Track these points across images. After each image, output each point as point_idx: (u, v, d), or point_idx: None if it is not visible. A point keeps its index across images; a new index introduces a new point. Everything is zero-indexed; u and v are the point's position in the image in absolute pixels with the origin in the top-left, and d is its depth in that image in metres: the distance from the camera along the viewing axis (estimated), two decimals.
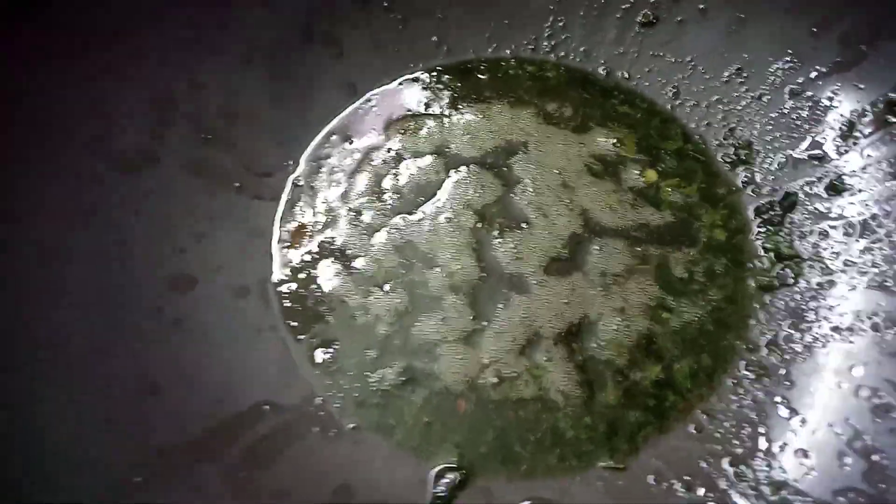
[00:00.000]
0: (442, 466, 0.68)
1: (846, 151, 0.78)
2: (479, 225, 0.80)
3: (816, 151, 0.79)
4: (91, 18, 0.73)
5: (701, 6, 0.85)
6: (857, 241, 0.74)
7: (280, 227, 0.81)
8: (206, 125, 0.81)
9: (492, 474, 0.68)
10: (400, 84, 0.89)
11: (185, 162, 0.79)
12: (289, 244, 0.80)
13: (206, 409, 0.68)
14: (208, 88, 0.82)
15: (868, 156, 0.77)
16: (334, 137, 0.86)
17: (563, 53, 0.91)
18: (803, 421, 0.67)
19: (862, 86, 0.79)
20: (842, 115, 0.79)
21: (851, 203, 0.76)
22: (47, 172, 0.71)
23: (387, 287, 0.77)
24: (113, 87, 0.76)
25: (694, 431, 0.69)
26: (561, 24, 0.90)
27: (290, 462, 0.67)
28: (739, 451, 0.67)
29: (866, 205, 0.75)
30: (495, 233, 0.79)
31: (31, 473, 0.59)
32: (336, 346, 0.74)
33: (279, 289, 0.77)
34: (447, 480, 0.66)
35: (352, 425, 0.70)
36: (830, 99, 0.80)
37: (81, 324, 0.68)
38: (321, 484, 0.66)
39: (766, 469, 0.65)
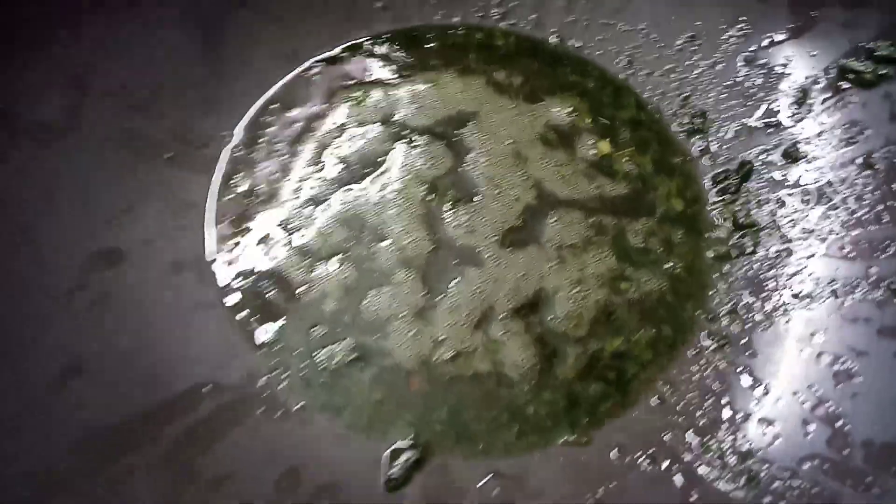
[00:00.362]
0: (396, 446, 0.63)
1: (801, 119, 0.77)
2: (430, 197, 0.76)
3: (771, 119, 0.78)
4: None
5: None
6: (814, 208, 0.73)
7: (216, 199, 0.75)
8: (131, 94, 0.75)
9: (449, 452, 0.64)
10: (343, 51, 0.85)
11: (109, 133, 0.73)
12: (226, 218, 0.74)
13: (139, 391, 0.63)
14: (132, 54, 0.76)
15: (822, 122, 0.76)
16: (274, 106, 0.81)
17: (513, 21, 0.88)
18: (766, 389, 0.65)
19: (814, 52, 0.79)
20: (795, 82, 0.78)
21: (807, 170, 0.75)
22: None
23: (333, 262, 0.72)
24: (25, 52, 0.70)
25: (656, 403, 0.67)
26: None
27: (232, 445, 0.62)
28: (703, 422, 0.65)
29: (822, 172, 0.74)
30: (447, 205, 0.75)
31: None
32: (280, 324, 0.69)
33: (216, 264, 0.72)
34: (402, 460, 0.62)
35: (299, 405, 0.65)
36: (784, 66, 0.79)
37: None
38: (267, 467, 0.61)
39: (731, 439, 0.63)
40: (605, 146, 0.80)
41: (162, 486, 0.59)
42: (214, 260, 0.72)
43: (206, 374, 0.66)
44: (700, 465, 0.62)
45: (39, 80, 0.70)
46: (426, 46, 0.86)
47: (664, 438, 0.64)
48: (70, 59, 0.72)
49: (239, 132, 0.79)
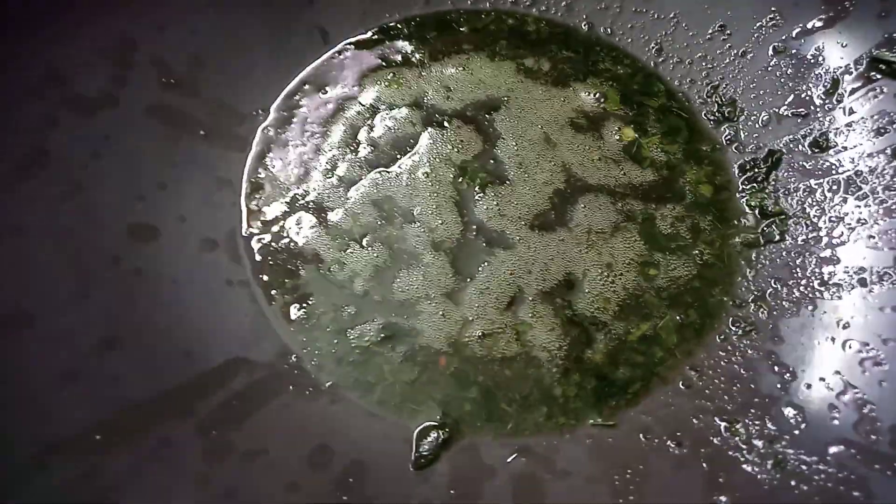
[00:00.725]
0: (425, 425, 0.64)
1: (831, 108, 0.77)
2: (460, 180, 0.76)
3: (801, 109, 0.78)
4: None
5: None
6: (843, 197, 0.73)
7: (249, 177, 0.76)
8: (170, 69, 0.76)
9: (478, 432, 0.65)
10: (375, 33, 0.85)
11: (148, 106, 0.74)
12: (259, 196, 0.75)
13: (173, 364, 0.64)
14: (173, 31, 0.76)
15: (852, 112, 0.76)
16: (307, 87, 0.82)
17: (543, 7, 0.88)
18: (793, 376, 0.66)
19: (845, 43, 0.78)
20: (826, 72, 0.78)
21: (836, 160, 0.75)
22: None
23: (364, 242, 0.73)
24: (70, 25, 0.70)
25: (683, 388, 0.67)
26: None
27: (264, 421, 0.63)
28: (730, 406, 0.65)
29: (852, 161, 0.74)
30: (476, 188, 0.76)
31: None
32: (311, 302, 0.70)
33: (249, 242, 0.73)
34: (431, 439, 0.63)
35: (329, 383, 0.66)
36: (815, 56, 0.79)
37: (34, 271, 0.63)
38: (298, 444, 0.62)
39: (758, 424, 0.63)
40: (629, 132, 0.81)
41: (197, 458, 0.60)
42: (247, 237, 0.73)
43: (238, 350, 0.67)
44: (727, 448, 0.62)
45: (87, 51, 0.70)
46: (457, 30, 0.86)
47: (691, 422, 0.65)
48: (115, 31, 0.72)
49: (272, 111, 0.79)
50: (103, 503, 0.55)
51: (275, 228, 0.73)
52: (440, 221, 0.74)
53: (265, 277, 0.71)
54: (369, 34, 0.85)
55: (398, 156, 0.78)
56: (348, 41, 0.84)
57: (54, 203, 0.66)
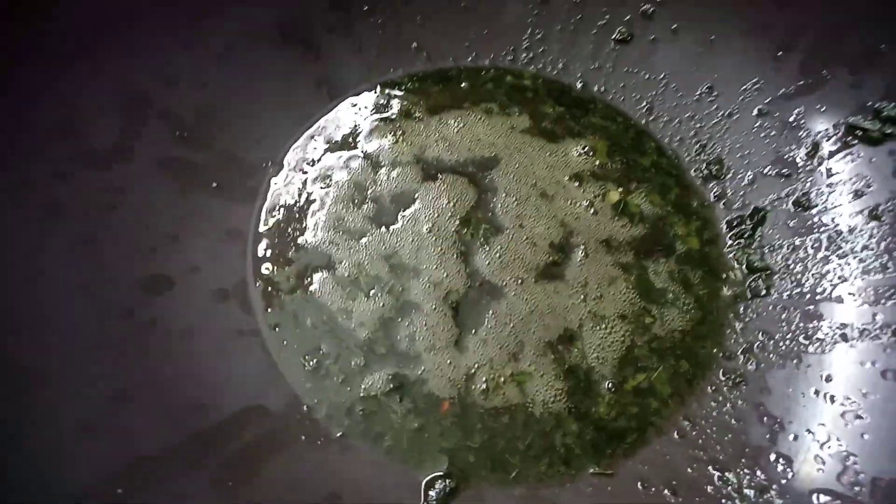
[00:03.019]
0: (433, 475, 0.66)
1: (812, 169, 0.82)
2: (461, 234, 0.79)
3: (784, 169, 0.83)
4: (65, 11, 0.70)
5: (673, 26, 0.88)
6: (825, 255, 0.78)
7: (258, 229, 0.78)
8: (181, 123, 0.78)
9: (483, 482, 0.67)
10: (379, 89, 0.89)
11: (159, 159, 0.76)
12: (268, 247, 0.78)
13: (187, 416, 0.65)
14: (183, 85, 0.79)
15: (832, 174, 0.81)
16: (312, 140, 0.84)
17: (540, 65, 0.92)
18: (781, 426, 0.69)
19: (824, 108, 0.83)
20: (807, 135, 0.83)
21: (818, 219, 0.79)
22: (13, 165, 0.67)
23: (371, 293, 0.75)
24: (85, 81, 0.73)
25: (677, 437, 0.70)
26: (539, 36, 0.91)
27: (276, 471, 0.65)
28: (722, 456, 0.68)
29: (833, 220, 0.79)
30: (478, 242, 0.79)
31: (6, 482, 0.55)
32: (320, 353, 0.72)
33: (259, 292, 0.75)
34: (438, 489, 0.65)
35: (339, 433, 0.68)
36: (796, 120, 0.84)
37: (50, 325, 0.64)
38: (310, 493, 0.64)
39: (749, 473, 0.67)
40: (614, 195, 0.84)
41: None
42: (257, 287, 0.75)
43: (250, 400, 0.69)
44: (720, 497, 0.66)
45: (99, 104, 0.73)
46: (457, 86, 0.90)
47: (686, 471, 0.68)
48: (127, 83, 0.75)
49: (280, 164, 0.82)
50: None
51: (283, 279, 0.76)
52: (442, 274, 0.77)
53: (275, 328, 0.73)
54: (373, 89, 0.88)
55: (401, 210, 0.81)
56: (352, 97, 0.87)
57: (68, 256, 0.68)
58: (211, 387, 0.68)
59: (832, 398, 0.70)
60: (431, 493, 0.65)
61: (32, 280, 0.66)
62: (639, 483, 0.67)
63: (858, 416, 0.68)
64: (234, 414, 0.67)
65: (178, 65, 0.79)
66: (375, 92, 0.89)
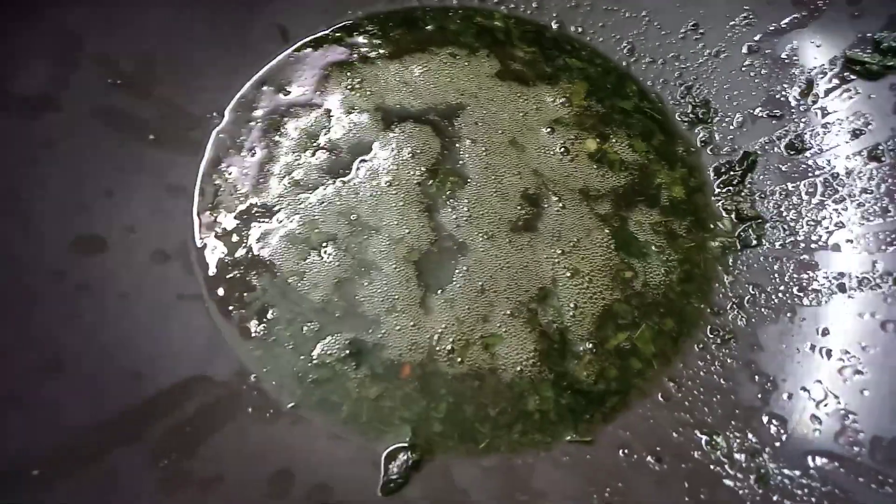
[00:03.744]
0: (394, 447, 0.61)
1: (806, 109, 0.75)
2: (424, 186, 0.73)
3: (776, 110, 0.77)
4: None
5: None
6: (820, 200, 0.72)
7: (202, 184, 0.72)
8: (117, 68, 0.71)
9: (449, 452, 0.61)
10: (337, 31, 0.81)
11: (93, 109, 0.69)
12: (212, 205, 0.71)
13: (122, 387, 0.59)
14: (121, 28, 0.72)
15: (828, 113, 0.74)
16: (264, 88, 0.77)
17: (512, 5, 0.85)
18: (774, 385, 0.64)
19: (819, 43, 0.77)
20: (801, 73, 0.77)
21: (813, 162, 0.73)
22: None
23: (325, 252, 0.69)
24: (9, 19, 0.65)
25: (662, 400, 0.65)
26: None
27: (221, 446, 0.59)
28: (710, 419, 0.63)
29: (828, 163, 0.73)
30: (443, 195, 0.73)
31: None
32: (270, 317, 0.66)
33: (203, 253, 0.68)
34: (400, 461, 0.60)
35: (291, 404, 0.62)
36: (789, 56, 0.78)
37: None
38: (258, 469, 0.58)
39: (739, 436, 0.61)
40: (591, 144, 0.78)
41: (149, 490, 0.55)
42: (200, 248, 0.69)
43: (192, 370, 0.62)
44: (708, 463, 0.60)
45: (26, 49, 0.66)
46: (422, 28, 0.83)
47: (671, 436, 0.62)
48: (58, 27, 0.68)
49: (227, 114, 0.75)
50: None
51: (230, 238, 0.69)
52: (404, 229, 0.70)
53: (220, 291, 0.67)
54: (330, 32, 0.81)
55: (359, 161, 0.74)
56: (307, 39, 0.80)
57: (3, 198, 0.62)
58: (149, 355, 0.62)
59: (829, 353, 0.64)
60: (393, 466, 0.60)
61: None
62: (620, 450, 0.62)
63: (857, 372, 0.62)
64: (174, 384, 0.61)
65: (115, 6, 0.72)
66: (333, 35, 0.81)
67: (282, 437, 0.61)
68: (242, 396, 0.62)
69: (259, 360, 0.64)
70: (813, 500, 0.57)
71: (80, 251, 0.64)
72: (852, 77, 0.75)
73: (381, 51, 0.81)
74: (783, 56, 0.78)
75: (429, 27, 0.83)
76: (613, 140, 0.78)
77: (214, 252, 0.68)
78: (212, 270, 0.68)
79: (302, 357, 0.64)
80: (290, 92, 0.77)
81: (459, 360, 0.65)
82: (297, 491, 0.58)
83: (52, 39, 0.69)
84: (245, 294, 0.67)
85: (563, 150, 0.76)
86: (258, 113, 0.76)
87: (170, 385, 0.61)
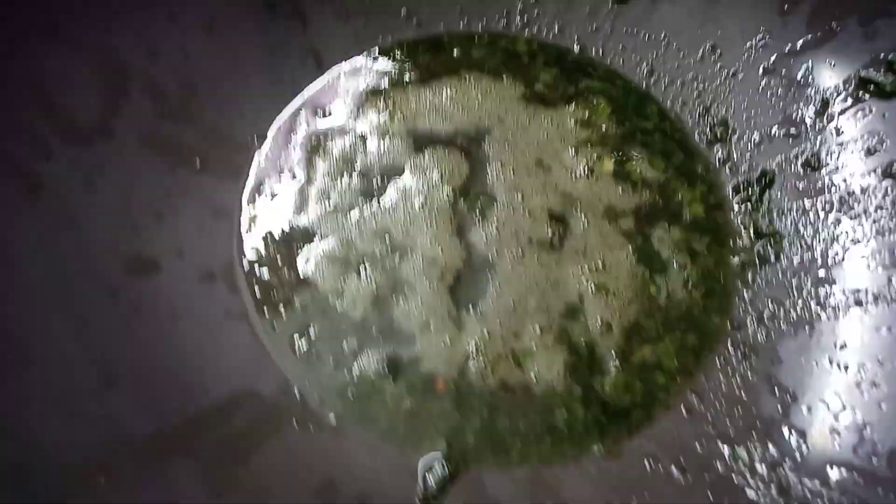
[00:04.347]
0: (430, 459, 0.64)
1: (822, 128, 0.78)
2: (455, 206, 0.76)
3: (792, 129, 0.79)
4: None
5: None
6: (836, 217, 0.74)
7: (245, 207, 0.76)
8: (164, 97, 0.75)
9: (483, 464, 0.65)
10: (368, 58, 0.85)
11: (142, 135, 0.73)
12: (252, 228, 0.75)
13: (175, 401, 0.63)
14: (166, 57, 0.76)
15: (843, 132, 0.77)
16: (300, 112, 0.81)
17: (535, 29, 0.88)
18: (793, 398, 0.66)
19: (834, 63, 0.79)
20: (816, 92, 0.79)
21: (829, 179, 0.76)
22: None
23: (363, 272, 0.73)
24: (64, 54, 0.70)
25: (685, 413, 0.68)
26: None
27: (268, 457, 0.63)
28: (732, 431, 0.66)
29: (844, 181, 0.75)
30: (473, 215, 0.76)
31: None
32: (311, 334, 0.69)
33: (247, 273, 0.72)
34: (437, 473, 0.63)
35: (332, 417, 0.66)
36: (804, 76, 0.80)
37: (31, 307, 0.62)
38: (304, 480, 0.62)
39: (761, 447, 0.64)
40: (608, 164, 0.81)
41: (201, 498, 0.59)
42: (245, 269, 0.72)
43: (239, 384, 0.66)
44: (731, 473, 0.63)
45: (81, 81, 0.70)
46: (449, 53, 0.86)
47: (695, 448, 0.65)
48: (107, 55, 0.72)
49: (267, 138, 0.79)
50: None
51: (272, 259, 0.73)
52: (436, 249, 0.74)
53: (264, 309, 0.70)
54: (361, 58, 0.85)
55: (392, 183, 0.77)
56: (341, 66, 0.84)
57: (49, 236, 0.66)
58: (199, 371, 0.66)
59: (846, 367, 0.67)
60: (429, 476, 0.63)
61: (12, 262, 0.63)
62: (646, 462, 0.65)
63: (875, 385, 0.65)
64: (223, 399, 0.65)
65: (160, 37, 0.76)
66: (363, 61, 0.85)
67: (325, 449, 0.64)
68: (287, 410, 0.66)
69: (302, 375, 0.68)
70: None
71: (133, 272, 0.68)
72: (866, 96, 0.77)
73: (411, 76, 0.84)
74: (798, 76, 0.80)
75: (455, 52, 0.86)
76: (635, 159, 0.81)
77: (258, 272, 0.72)
78: (255, 290, 0.71)
79: (342, 373, 0.68)
80: (325, 116, 0.81)
81: (491, 374, 0.68)
82: (342, 500, 0.61)
83: (103, 71, 0.73)
84: (287, 312, 0.71)
85: (586, 169, 0.79)
86: (296, 137, 0.79)
87: (220, 399, 0.65)
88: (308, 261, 0.73)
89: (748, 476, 0.62)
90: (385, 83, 0.84)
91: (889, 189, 0.73)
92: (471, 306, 0.71)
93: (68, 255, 0.66)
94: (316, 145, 0.79)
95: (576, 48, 0.87)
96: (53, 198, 0.67)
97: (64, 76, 0.70)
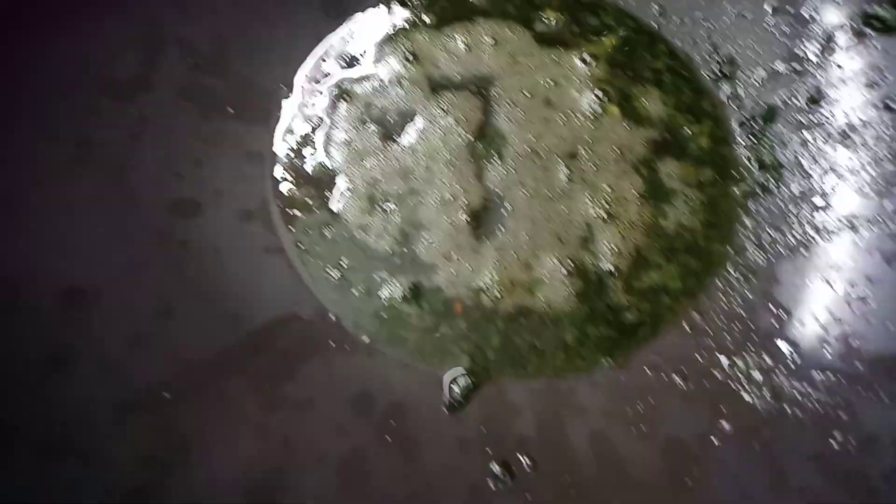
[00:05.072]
0: (455, 373, 0.71)
1: (825, 64, 0.81)
2: (470, 147, 0.81)
3: (797, 65, 0.83)
4: None
5: None
6: (836, 148, 0.78)
7: (276, 150, 0.81)
8: (196, 51, 0.81)
9: (503, 376, 0.72)
10: (385, 6, 0.89)
11: (178, 88, 0.79)
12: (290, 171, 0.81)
13: (225, 327, 0.70)
14: (196, 14, 0.81)
15: (845, 67, 0.80)
16: (321, 61, 0.86)
17: None
18: (788, 314, 0.72)
19: (840, 0, 0.82)
20: (821, 30, 0.82)
21: (830, 112, 0.80)
22: (42, 102, 0.71)
23: (387, 208, 0.78)
24: (99, 14, 0.75)
25: (687, 329, 0.74)
26: None
27: (310, 374, 0.70)
28: (731, 343, 0.72)
29: (844, 114, 0.79)
30: (489, 154, 0.81)
31: (61, 396, 0.61)
32: (342, 265, 0.76)
33: (281, 211, 0.78)
34: (462, 384, 0.70)
35: (365, 338, 0.73)
36: (811, 13, 0.83)
37: (90, 250, 0.69)
38: (342, 392, 0.69)
39: (756, 358, 0.70)
40: (622, 102, 0.85)
41: (254, 410, 0.67)
42: (278, 207, 0.79)
43: (280, 311, 0.73)
44: (729, 381, 0.69)
45: (120, 38, 0.76)
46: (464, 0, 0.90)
47: (696, 359, 0.71)
48: (144, 17, 0.78)
49: (294, 86, 0.84)
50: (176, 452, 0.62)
51: (303, 197, 0.79)
52: (457, 187, 0.79)
53: (299, 244, 0.77)
54: (380, 5, 0.89)
55: (412, 125, 0.82)
56: (360, 13, 0.88)
57: (101, 186, 0.72)
58: (244, 300, 0.73)
59: (840, 286, 0.72)
60: (455, 388, 0.70)
61: (69, 211, 0.70)
62: (651, 371, 0.71)
63: (864, 302, 0.70)
64: (268, 323, 0.72)
65: None
66: (380, 8, 0.89)
67: (360, 365, 0.72)
68: (325, 332, 0.73)
69: (336, 302, 0.74)
70: (820, 409, 0.66)
71: (178, 214, 0.75)
72: (871, 32, 0.80)
73: (426, 21, 0.88)
74: (805, 13, 0.83)
75: None
76: (644, 97, 0.85)
77: (290, 209, 0.78)
78: (290, 225, 0.78)
79: (372, 299, 0.74)
80: (347, 63, 0.86)
81: (508, 299, 0.74)
82: (376, 409, 0.69)
83: (140, 28, 0.78)
84: (319, 246, 0.77)
85: (597, 108, 0.84)
86: (320, 84, 0.84)
87: (265, 323, 0.72)
88: (336, 199, 0.79)
89: (745, 382, 0.69)
90: (401, 29, 0.88)
91: (888, 121, 0.77)
92: (487, 239, 0.77)
93: (119, 203, 0.73)
94: (339, 91, 0.84)
95: None
96: (103, 150, 0.74)
97: (106, 40, 0.76)
